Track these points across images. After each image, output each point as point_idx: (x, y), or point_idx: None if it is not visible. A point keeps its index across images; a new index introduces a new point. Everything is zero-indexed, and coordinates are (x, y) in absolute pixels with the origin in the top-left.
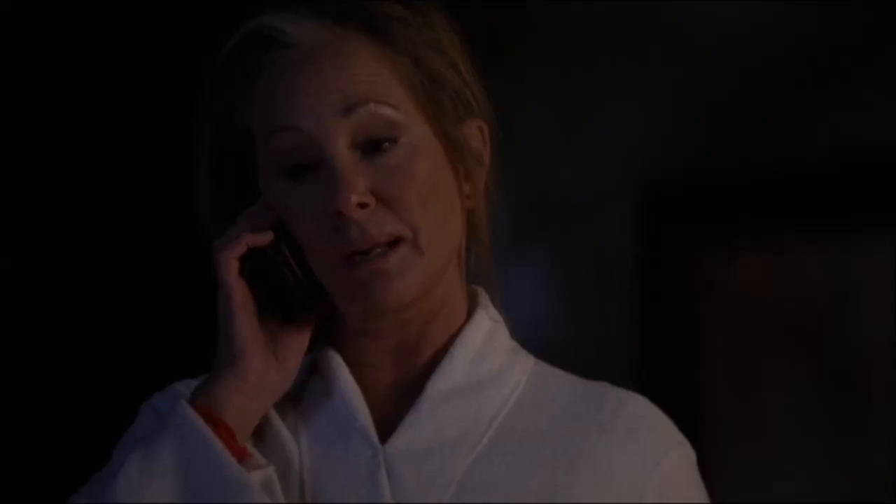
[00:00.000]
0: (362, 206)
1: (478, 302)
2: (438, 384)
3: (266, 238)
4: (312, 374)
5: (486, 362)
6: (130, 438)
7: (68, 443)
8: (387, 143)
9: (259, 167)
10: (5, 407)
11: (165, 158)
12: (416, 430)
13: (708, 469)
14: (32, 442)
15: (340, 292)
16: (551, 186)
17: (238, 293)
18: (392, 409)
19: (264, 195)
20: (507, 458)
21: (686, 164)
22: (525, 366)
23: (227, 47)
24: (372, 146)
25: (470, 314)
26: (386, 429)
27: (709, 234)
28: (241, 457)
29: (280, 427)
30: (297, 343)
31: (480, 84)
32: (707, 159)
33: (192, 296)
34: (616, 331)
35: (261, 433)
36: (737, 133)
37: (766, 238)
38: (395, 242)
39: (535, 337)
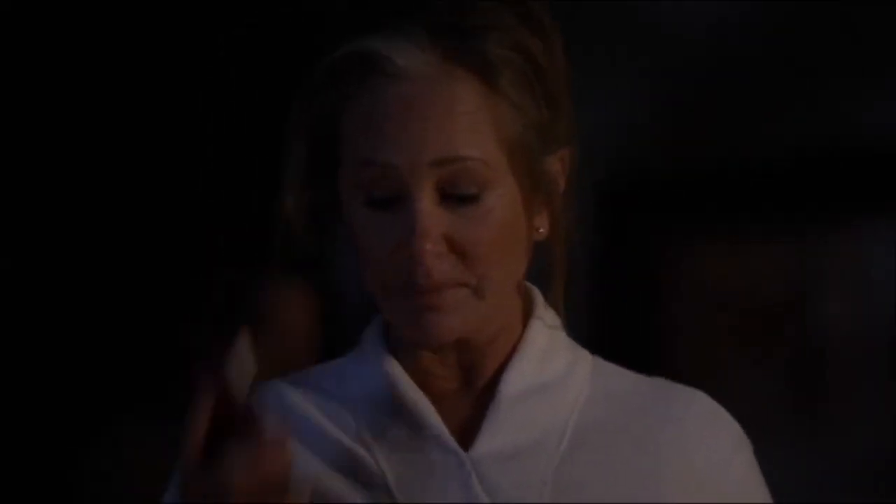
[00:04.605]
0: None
1: (534, 306)
2: (511, 387)
3: None
4: (366, 381)
5: (552, 363)
6: None
7: (68, 442)
8: (471, 196)
9: (342, 177)
10: (5, 406)
11: (165, 159)
12: (496, 435)
13: None
14: (32, 441)
15: (394, 316)
16: None
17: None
18: (461, 416)
19: (344, 205)
20: (591, 458)
21: (650, 157)
22: (586, 363)
23: (331, 58)
24: (455, 194)
25: (528, 317)
26: (459, 436)
27: (673, 225)
28: None
29: (345, 439)
30: None
31: (572, 108)
32: (671, 152)
33: (191, 295)
34: (579, 324)
35: (324, 450)
36: (701, 126)
37: (730, 231)
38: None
39: None
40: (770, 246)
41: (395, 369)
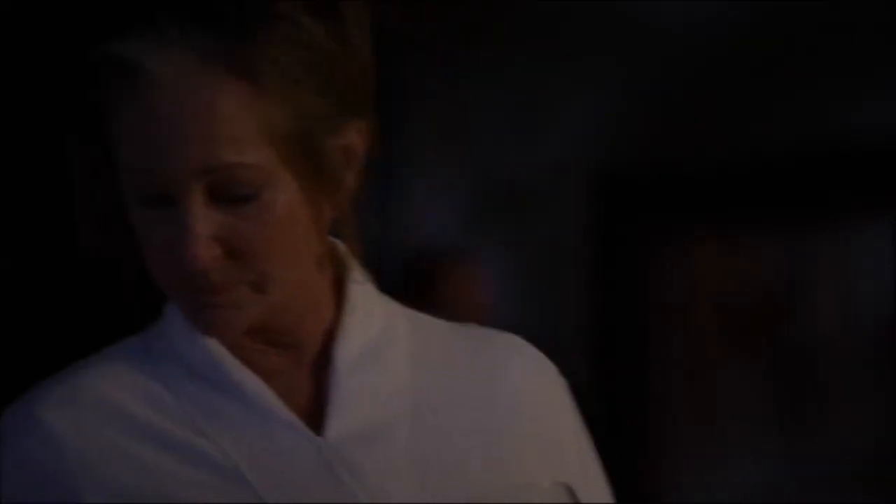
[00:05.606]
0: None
1: (347, 268)
2: (345, 354)
3: None
4: (187, 362)
5: (374, 320)
6: None
7: None
8: (244, 197)
9: (122, 176)
10: (5, 406)
11: None
12: (345, 413)
13: (661, 456)
14: None
15: (181, 309)
16: (505, 177)
17: None
18: (303, 394)
19: (126, 204)
20: (442, 422)
21: (640, 155)
22: (401, 314)
23: (86, 59)
24: (227, 198)
25: (341, 279)
26: (306, 417)
27: (663, 224)
28: None
29: (179, 430)
30: None
31: (371, 76)
32: (661, 150)
33: None
34: (571, 321)
35: (161, 444)
36: (691, 124)
37: (719, 229)
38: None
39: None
40: (764, 245)
41: (215, 346)
